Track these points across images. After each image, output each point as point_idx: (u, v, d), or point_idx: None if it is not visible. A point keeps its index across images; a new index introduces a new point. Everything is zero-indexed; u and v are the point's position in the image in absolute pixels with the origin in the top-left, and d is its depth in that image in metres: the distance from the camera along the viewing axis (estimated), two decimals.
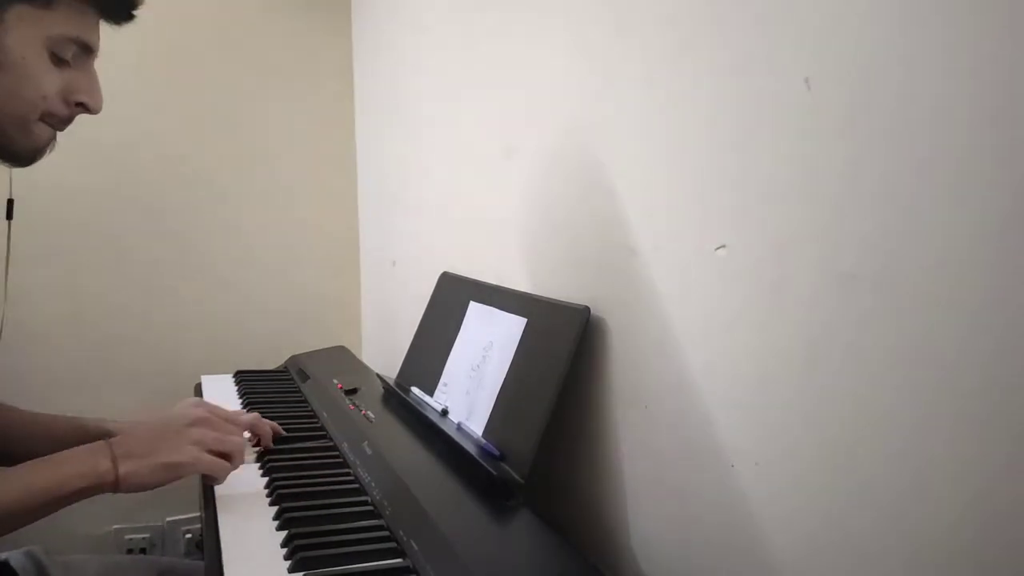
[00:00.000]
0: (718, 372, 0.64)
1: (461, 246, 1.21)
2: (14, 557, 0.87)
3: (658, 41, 0.71)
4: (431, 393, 1.02)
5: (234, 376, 1.35)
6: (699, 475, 0.66)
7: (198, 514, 0.87)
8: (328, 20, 1.86)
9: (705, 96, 0.65)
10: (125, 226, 1.69)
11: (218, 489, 0.79)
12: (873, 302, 0.50)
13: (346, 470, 0.86)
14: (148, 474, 0.72)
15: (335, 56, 1.87)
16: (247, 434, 0.89)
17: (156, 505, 1.70)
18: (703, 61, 0.65)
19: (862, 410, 0.51)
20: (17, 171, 0.76)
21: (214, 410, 0.84)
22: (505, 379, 0.87)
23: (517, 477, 0.76)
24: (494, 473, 0.75)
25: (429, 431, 0.93)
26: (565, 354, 0.78)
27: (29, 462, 0.71)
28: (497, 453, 0.81)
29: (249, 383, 1.29)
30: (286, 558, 0.65)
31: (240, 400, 1.20)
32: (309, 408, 1.13)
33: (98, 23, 0.75)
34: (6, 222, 1.01)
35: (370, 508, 0.75)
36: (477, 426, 0.88)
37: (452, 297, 1.09)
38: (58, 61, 0.72)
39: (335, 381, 1.20)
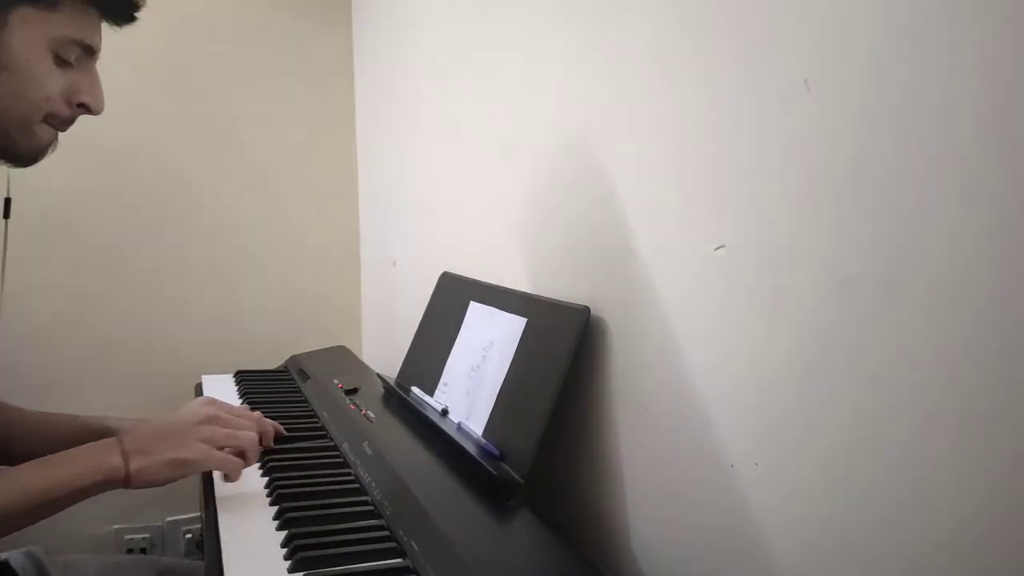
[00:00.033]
0: (718, 373, 0.64)
1: (461, 246, 1.21)
2: (14, 557, 0.87)
3: (659, 42, 0.71)
4: (431, 393, 1.02)
5: (234, 376, 1.35)
6: (699, 476, 0.66)
7: (198, 514, 0.87)
8: (328, 20, 1.86)
9: (706, 96, 0.65)
10: (126, 226, 1.69)
11: (218, 489, 0.79)
12: (876, 303, 0.49)
13: (346, 470, 0.86)
14: (158, 470, 0.73)
15: (335, 57, 1.87)
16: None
17: (156, 505, 1.70)
18: (704, 62, 0.65)
19: (864, 412, 0.51)
20: (15, 171, 0.76)
21: (224, 407, 0.84)
22: (505, 379, 0.87)
23: (517, 477, 0.76)
24: (494, 473, 0.75)
25: (429, 431, 0.93)
26: (565, 354, 0.78)
27: (39, 459, 0.71)
28: (497, 453, 0.81)
29: (249, 383, 1.29)
30: (286, 558, 0.65)
31: (240, 400, 1.20)
32: (309, 408, 1.13)
33: (100, 24, 0.75)
34: (4, 221, 1.01)
35: (370, 508, 0.75)
36: (477, 426, 0.88)
37: (452, 297, 1.09)
38: (61, 62, 0.72)
39: (335, 381, 1.20)
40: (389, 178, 1.65)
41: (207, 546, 0.70)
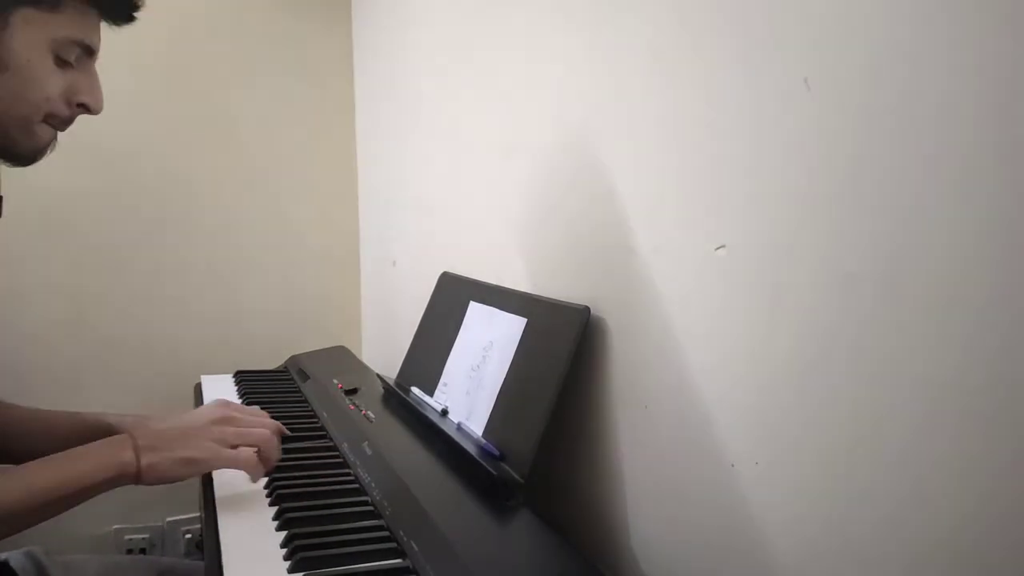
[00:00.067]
0: (718, 372, 0.64)
1: (461, 246, 1.21)
2: (14, 557, 0.87)
3: (659, 41, 0.71)
4: (431, 393, 1.02)
5: (234, 376, 1.35)
6: (699, 475, 0.66)
7: (198, 514, 0.87)
8: (328, 20, 1.86)
9: (706, 95, 0.65)
10: (125, 226, 1.69)
11: (218, 489, 0.79)
12: (875, 303, 0.49)
13: (346, 470, 0.86)
14: (168, 467, 0.73)
15: (335, 56, 1.87)
16: None
17: (156, 505, 1.70)
18: (704, 61, 0.65)
19: (864, 411, 0.51)
20: (7, 170, 0.76)
21: (238, 408, 0.84)
22: (505, 379, 0.87)
23: (517, 477, 0.76)
24: (494, 473, 0.75)
25: (429, 431, 0.93)
26: (565, 354, 0.78)
27: (50, 456, 0.72)
28: (497, 453, 0.81)
29: (249, 383, 1.29)
30: (286, 558, 0.65)
31: (240, 400, 1.20)
32: (309, 408, 1.13)
33: (99, 24, 0.75)
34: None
35: (370, 508, 0.75)
36: (477, 426, 0.88)
37: (452, 297, 1.09)
38: (61, 63, 0.72)
39: (335, 381, 1.20)
40: (389, 177, 1.65)
41: (207, 546, 0.70)
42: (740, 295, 0.61)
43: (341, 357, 1.46)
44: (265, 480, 0.81)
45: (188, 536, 1.75)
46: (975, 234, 0.43)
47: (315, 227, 1.87)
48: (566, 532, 0.80)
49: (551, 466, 0.86)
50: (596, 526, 0.81)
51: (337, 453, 0.92)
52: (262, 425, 0.82)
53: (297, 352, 1.48)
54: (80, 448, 0.73)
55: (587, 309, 0.78)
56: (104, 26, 0.76)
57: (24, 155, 0.74)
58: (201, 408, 0.82)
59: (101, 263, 1.67)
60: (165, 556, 1.70)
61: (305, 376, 1.31)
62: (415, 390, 1.06)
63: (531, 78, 0.96)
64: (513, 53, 1.01)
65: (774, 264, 0.58)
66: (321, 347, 1.54)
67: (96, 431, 0.88)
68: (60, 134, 0.76)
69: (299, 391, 1.24)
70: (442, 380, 1.01)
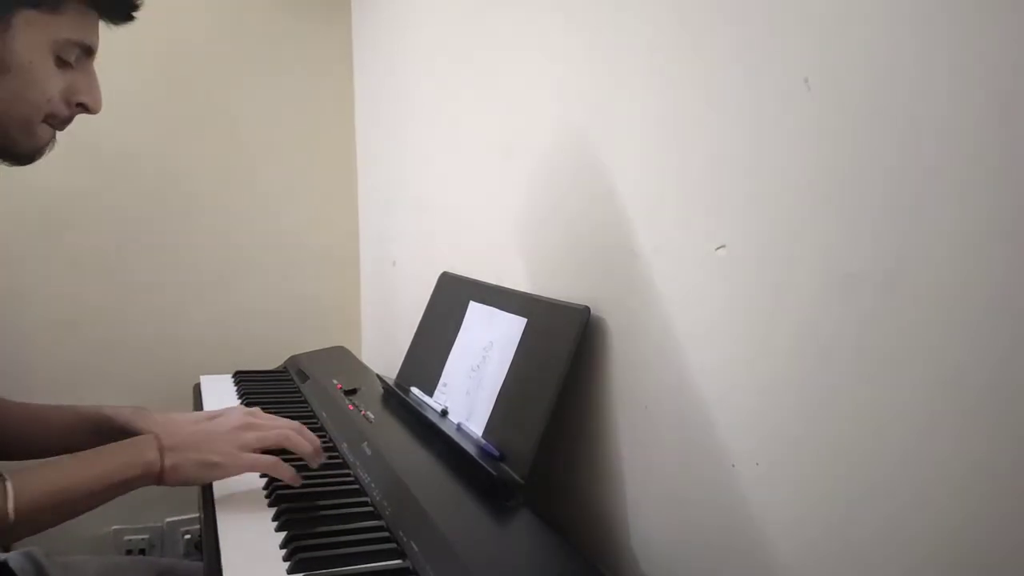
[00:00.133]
0: (718, 372, 0.64)
1: (461, 246, 1.21)
2: (13, 558, 0.87)
3: (659, 41, 0.71)
4: (431, 393, 1.01)
5: (233, 376, 1.35)
6: (699, 476, 0.66)
7: (197, 515, 0.87)
8: (328, 20, 1.85)
9: (706, 95, 0.65)
10: (125, 226, 1.69)
11: (217, 490, 0.79)
12: (876, 303, 0.49)
13: (346, 471, 0.85)
14: (190, 468, 0.74)
15: (335, 56, 1.87)
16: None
17: (155, 506, 1.70)
18: (704, 61, 0.65)
19: (864, 411, 0.51)
20: (6, 170, 0.76)
21: (259, 415, 0.85)
22: (505, 379, 0.86)
23: (517, 477, 0.76)
24: (494, 474, 0.75)
25: (429, 431, 0.93)
26: (565, 354, 0.78)
27: (77, 453, 0.72)
28: (497, 454, 0.81)
29: (248, 383, 1.29)
30: (285, 559, 0.65)
31: (240, 400, 1.20)
32: (308, 408, 1.13)
33: (98, 24, 0.75)
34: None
35: (370, 509, 0.75)
36: (477, 427, 0.87)
37: (452, 297, 1.09)
38: (61, 63, 0.72)
39: (335, 381, 1.20)
40: (389, 178, 1.65)
41: (206, 547, 0.70)
42: (740, 295, 0.61)
43: (341, 357, 1.46)
44: (264, 480, 0.81)
45: (187, 537, 1.75)
46: (976, 234, 0.43)
47: (315, 227, 1.87)
48: (566, 532, 0.80)
49: (551, 466, 0.86)
50: (596, 526, 0.81)
51: (337, 453, 0.92)
52: (284, 424, 0.82)
53: (297, 352, 1.48)
54: (105, 447, 0.75)
55: (587, 309, 0.78)
56: (103, 25, 0.76)
57: (24, 155, 0.75)
58: (226, 415, 0.83)
59: (100, 263, 1.67)
60: (164, 557, 1.70)
61: (304, 376, 1.30)
62: (415, 390, 1.06)
63: (531, 78, 0.96)
64: (513, 53, 1.01)
65: (774, 264, 0.58)
66: (321, 347, 1.54)
67: (93, 422, 0.89)
68: (59, 134, 0.77)
69: (298, 391, 1.24)
70: (442, 380, 1.01)
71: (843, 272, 0.52)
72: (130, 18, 0.76)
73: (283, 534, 0.69)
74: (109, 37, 0.76)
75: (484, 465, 0.77)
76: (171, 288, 1.73)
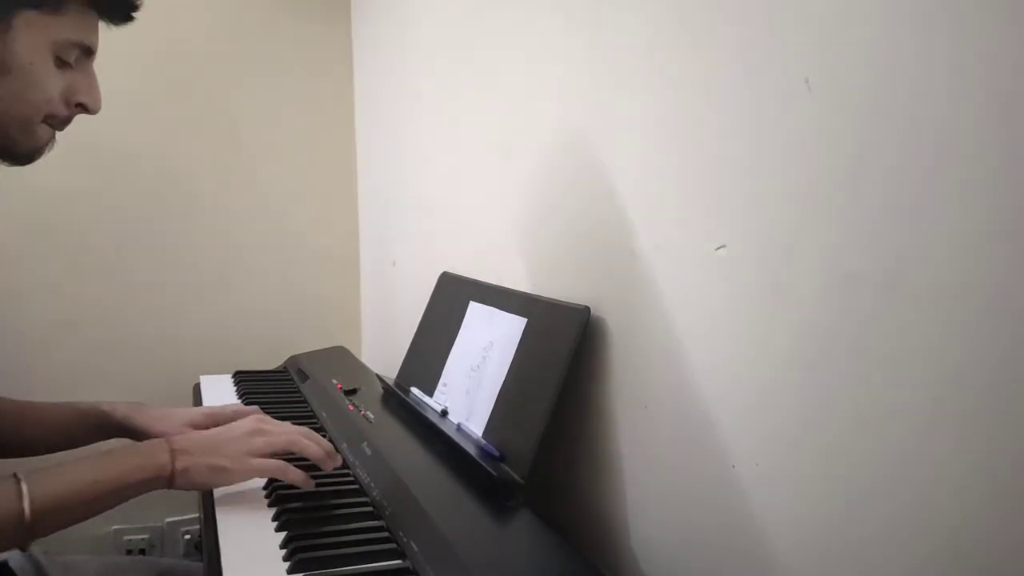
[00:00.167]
0: (719, 372, 0.64)
1: (461, 246, 1.21)
2: (13, 558, 0.87)
3: (659, 41, 0.71)
4: (431, 393, 1.01)
5: (233, 376, 1.35)
6: (699, 476, 0.66)
7: (197, 515, 0.87)
8: (327, 20, 1.85)
9: (706, 95, 0.65)
10: (124, 226, 1.69)
11: (217, 490, 0.79)
12: (876, 303, 0.49)
13: (345, 471, 0.85)
14: (200, 472, 0.74)
15: (335, 56, 1.87)
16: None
17: (155, 506, 1.70)
18: (704, 60, 0.65)
19: (864, 411, 0.51)
20: (6, 170, 0.76)
21: (268, 421, 0.85)
22: (505, 379, 0.86)
23: (517, 477, 0.76)
24: (494, 474, 0.75)
25: (429, 431, 0.93)
26: (565, 354, 0.78)
27: (89, 455, 0.72)
28: (497, 454, 0.81)
29: (248, 383, 1.29)
30: (285, 559, 0.65)
31: (239, 400, 1.20)
32: (308, 408, 1.13)
33: (98, 24, 0.75)
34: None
35: (370, 509, 0.75)
36: (477, 427, 0.87)
37: (452, 297, 1.09)
38: (61, 64, 0.72)
39: (334, 381, 1.20)
40: (389, 177, 1.65)
41: (206, 547, 0.70)
42: (740, 295, 0.61)
43: (340, 357, 1.46)
44: (264, 480, 0.81)
45: (187, 537, 1.75)
46: (976, 233, 0.43)
47: (315, 227, 1.87)
48: (566, 532, 0.80)
49: (551, 466, 0.86)
50: (596, 526, 0.81)
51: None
52: (291, 429, 0.83)
53: (296, 352, 1.48)
54: (117, 449, 0.75)
55: (587, 309, 0.78)
56: (103, 25, 0.76)
57: (23, 155, 0.75)
58: (236, 421, 0.83)
59: (100, 263, 1.67)
60: (164, 557, 1.70)
61: (304, 376, 1.30)
62: (415, 390, 1.06)
63: (531, 78, 0.96)
64: (513, 53, 1.01)
65: (774, 264, 0.58)
66: (320, 347, 1.54)
67: (90, 417, 0.89)
68: (59, 134, 0.77)
69: (298, 391, 1.24)
70: (442, 380, 1.00)
71: (843, 272, 0.52)
72: (130, 18, 0.76)
73: (283, 534, 0.69)
74: (109, 37, 0.76)
75: (484, 465, 0.77)
76: (171, 288, 1.73)
